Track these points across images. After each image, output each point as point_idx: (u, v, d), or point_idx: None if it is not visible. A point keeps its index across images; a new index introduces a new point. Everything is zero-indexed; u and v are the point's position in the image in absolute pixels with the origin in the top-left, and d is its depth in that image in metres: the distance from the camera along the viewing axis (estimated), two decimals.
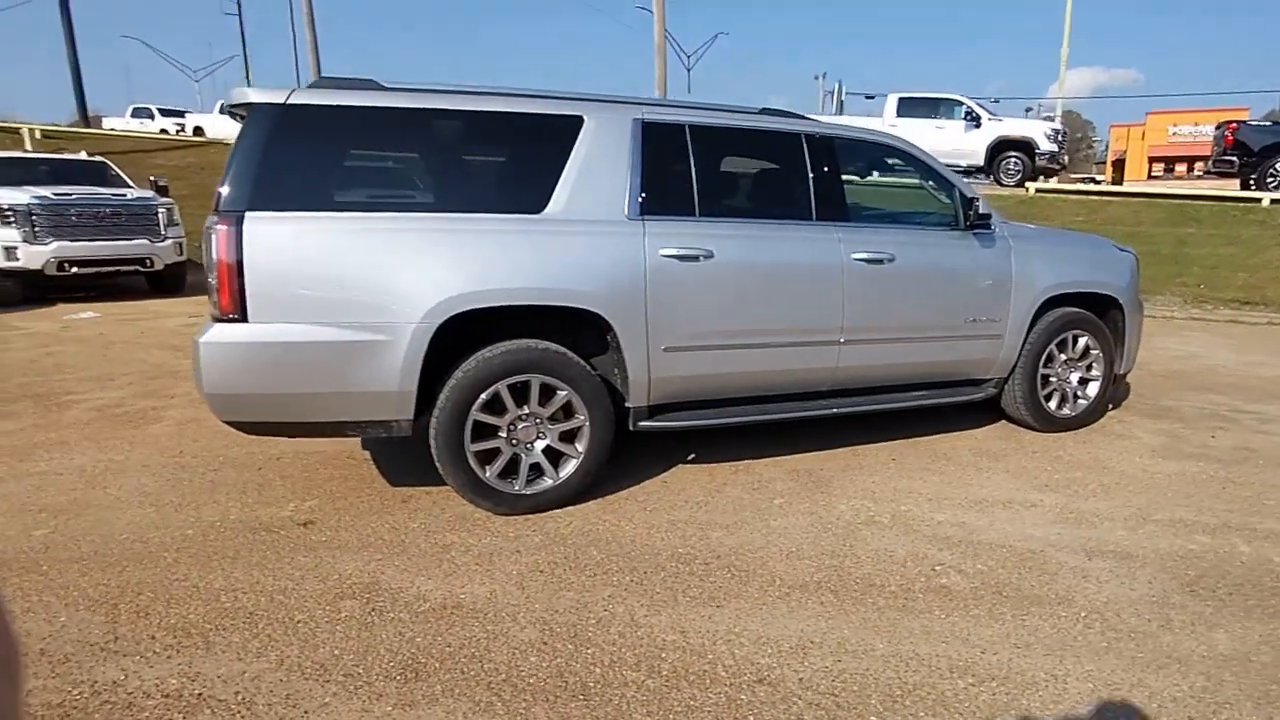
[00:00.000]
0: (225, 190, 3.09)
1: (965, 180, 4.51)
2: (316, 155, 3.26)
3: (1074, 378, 4.77)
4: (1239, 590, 2.90)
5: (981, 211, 4.25)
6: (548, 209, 3.46)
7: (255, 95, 3.19)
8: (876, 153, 4.63)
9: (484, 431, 3.43)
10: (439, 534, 3.32)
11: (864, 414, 4.36)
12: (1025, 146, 15.63)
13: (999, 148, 15.73)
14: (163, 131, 26.63)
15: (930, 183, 4.43)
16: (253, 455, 4.28)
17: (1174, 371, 6.56)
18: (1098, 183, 30.18)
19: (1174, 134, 32.84)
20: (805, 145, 3.98)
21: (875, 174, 5.40)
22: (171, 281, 10.72)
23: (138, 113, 30.94)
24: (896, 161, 4.49)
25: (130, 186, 11.34)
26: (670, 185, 3.70)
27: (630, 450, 4.21)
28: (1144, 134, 34.19)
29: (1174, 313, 9.75)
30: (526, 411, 3.47)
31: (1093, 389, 4.81)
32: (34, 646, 2.48)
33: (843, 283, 3.95)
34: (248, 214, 3.06)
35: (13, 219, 9.40)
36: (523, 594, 2.83)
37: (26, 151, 15.35)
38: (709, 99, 4.33)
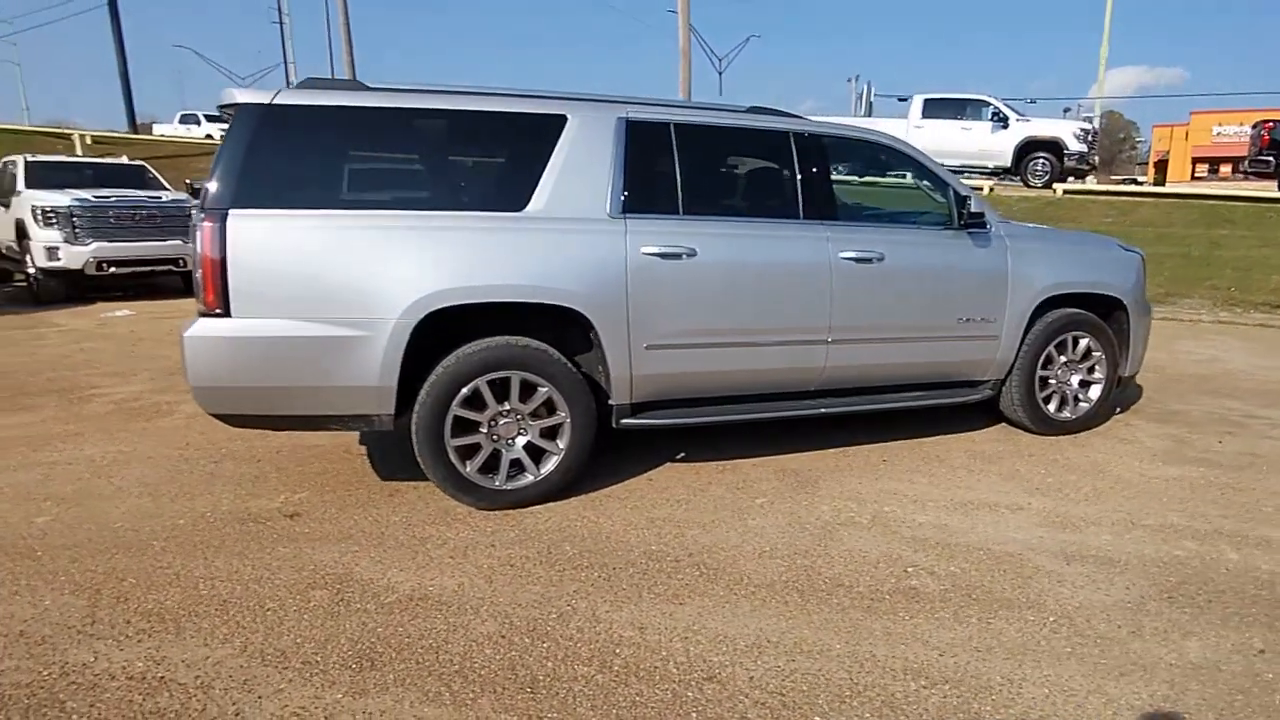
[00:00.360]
0: (211, 188, 3.18)
1: (960, 179, 4.44)
2: (300, 154, 3.33)
3: (1075, 380, 4.68)
4: (1219, 598, 2.83)
5: (974, 210, 4.18)
6: (528, 207, 3.50)
7: (241, 95, 3.27)
8: (868, 151, 4.58)
9: (465, 427, 3.47)
10: (418, 527, 3.37)
11: (857, 414, 4.33)
12: (1054, 147, 15.29)
13: (1026, 148, 15.41)
14: (208, 137, 27.33)
15: (925, 181, 4.38)
16: (253, 448, 4.38)
17: (1191, 375, 6.39)
18: (1139, 184, 29.50)
19: (1218, 134, 32.02)
20: (793, 143, 3.96)
21: (874, 174, 5.35)
22: None
23: (185, 119, 31.83)
24: (889, 160, 4.44)
25: (166, 189, 11.73)
26: (654, 183, 3.71)
27: (619, 448, 4.22)
28: (1187, 134, 33.38)
29: (1202, 315, 9.48)
30: (507, 408, 3.51)
31: (1095, 392, 4.71)
32: (15, 629, 2.58)
33: (830, 282, 3.92)
34: (231, 211, 3.14)
35: (55, 221, 9.78)
36: (490, 587, 2.86)
37: (76, 156, 15.97)
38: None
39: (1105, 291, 4.63)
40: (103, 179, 11.27)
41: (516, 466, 3.58)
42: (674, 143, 3.75)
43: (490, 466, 3.53)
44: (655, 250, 3.61)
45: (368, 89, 3.45)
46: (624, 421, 3.75)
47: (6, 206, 10.55)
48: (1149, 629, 2.62)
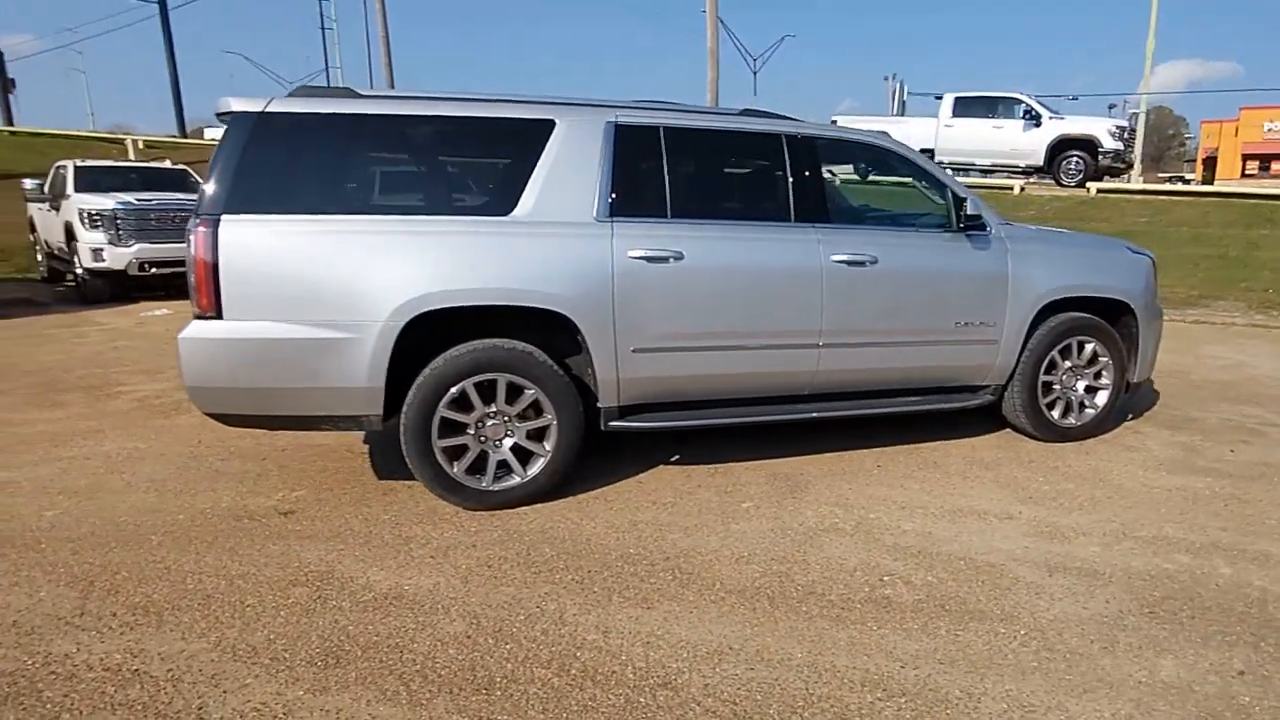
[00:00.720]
0: (206, 193, 3.27)
1: (959, 181, 4.36)
2: (291, 160, 3.41)
3: (1080, 386, 4.57)
4: (1204, 614, 2.75)
5: (971, 212, 4.11)
6: (515, 211, 3.53)
7: (235, 103, 3.36)
8: (863, 153, 4.53)
9: (453, 428, 3.52)
10: (405, 526, 3.43)
11: (852, 419, 4.29)
12: (1088, 145, 14.91)
13: (1060, 146, 15.05)
14: None
15: (922, 183, 4.32)
16: (260, 447, 4.50)
17: (1214, 380, 6.20)
18: (1187, 181, 28.59)
19: (1269, 130, 30.84)
20: (785, 146, 3.94)
21: (878, 174, 5.28)
22: None
23: None
24: (885, 162, 4.38)
25: None
26: (642, 187, 3.73)
27: (613, 450, 4.25)
28: (1237, 130, 32.23)
29: (1235, 318, 9.18)
30: (494, 409, 3.55)
31: (1101, 398, 4.60)
32: (9, 619, 2.69)
33: (821, 285, 3.89)
34: (224, 217, 3.23)
35: (100, 223, 10.20)
36: (464, 588, 2.90)
37: (125, 161, 16.62)
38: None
39: (1112, 295, 4.52)
40: (147, 183, 11.71)
41: (504, 468, 3.62)
42: (663, 146, 3.75)
43: (478, 467, 3.58)
44: (641, 254, 3.62)
45: (358, 96, 3.51)
46: (612, 424, 3.77)
47: (57, 210, 11.02)
48: (1123, 645, 2.56)
